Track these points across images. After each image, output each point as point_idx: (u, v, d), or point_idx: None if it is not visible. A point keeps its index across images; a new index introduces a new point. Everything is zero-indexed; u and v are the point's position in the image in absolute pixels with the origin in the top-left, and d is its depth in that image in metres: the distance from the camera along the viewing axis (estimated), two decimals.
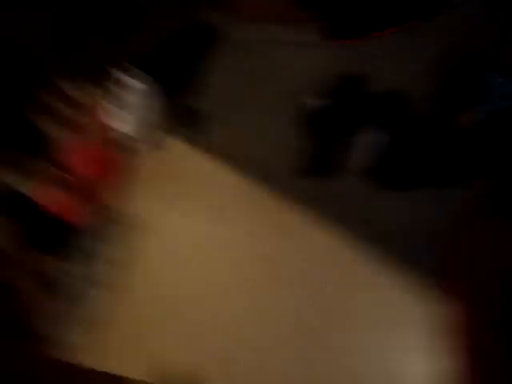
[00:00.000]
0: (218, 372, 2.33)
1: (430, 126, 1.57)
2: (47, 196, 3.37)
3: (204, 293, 2.59)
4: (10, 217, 3.13)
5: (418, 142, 1.55)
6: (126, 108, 3.09)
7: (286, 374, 2.02)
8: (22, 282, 3.21)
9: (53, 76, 4.38)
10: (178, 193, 2.95)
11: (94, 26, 4.16)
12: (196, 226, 2.69)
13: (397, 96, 1.70)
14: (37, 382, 2.41)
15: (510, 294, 1.56)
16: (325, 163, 1.89)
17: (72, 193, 3.35)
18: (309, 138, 1.94)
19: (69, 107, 4.11)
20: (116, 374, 2.54)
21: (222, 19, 3.07)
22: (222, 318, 2.45)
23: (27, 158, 4.11)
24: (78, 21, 4.14)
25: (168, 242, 2.81)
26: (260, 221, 2.34)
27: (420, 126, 1.57)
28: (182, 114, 3.02)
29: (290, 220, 2.16)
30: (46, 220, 3.28)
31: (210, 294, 2.56)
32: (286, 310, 2.14)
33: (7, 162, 3.45)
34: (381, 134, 1.56)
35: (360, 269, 1.78)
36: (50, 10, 3.86)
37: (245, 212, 2.45)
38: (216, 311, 2.50)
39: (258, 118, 2.49)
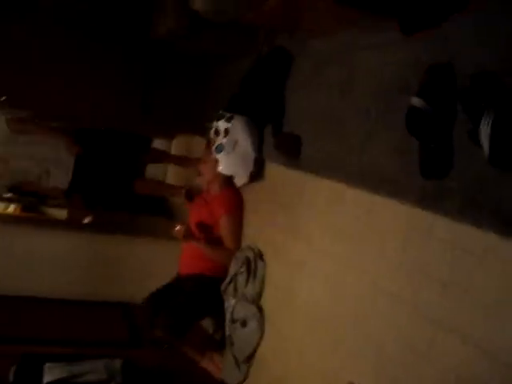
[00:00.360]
0: None
1: None
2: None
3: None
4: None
5: None
6: (229, 150, 3.26)
7: None
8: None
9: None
10: (291, 219, 2.95)
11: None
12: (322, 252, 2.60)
13: (490, 75, 1.59)
14: None
15: None
16: (441, 162, 1.79)
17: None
18: (418, 139, 1.84)
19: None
20: None
21: (294, 40, 3.08)
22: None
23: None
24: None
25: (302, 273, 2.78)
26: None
27: None
28: (279, 142, 3.05)
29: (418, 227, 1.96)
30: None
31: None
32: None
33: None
34: (488, 117, 1.46)
35: None
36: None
37: (368, 230, 2.26)
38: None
39: (355, 128, 2.36)
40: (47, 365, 3.30)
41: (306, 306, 2.70)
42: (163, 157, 4.79)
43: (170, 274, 3.70)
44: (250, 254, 3.21)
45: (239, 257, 3.31)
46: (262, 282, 3.11)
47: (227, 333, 3.31)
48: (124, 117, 4.54)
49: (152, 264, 4.02)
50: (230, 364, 3.29)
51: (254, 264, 3.15)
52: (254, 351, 3.14)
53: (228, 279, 3.32)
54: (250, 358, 3.18)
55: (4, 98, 4.26)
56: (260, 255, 3.18)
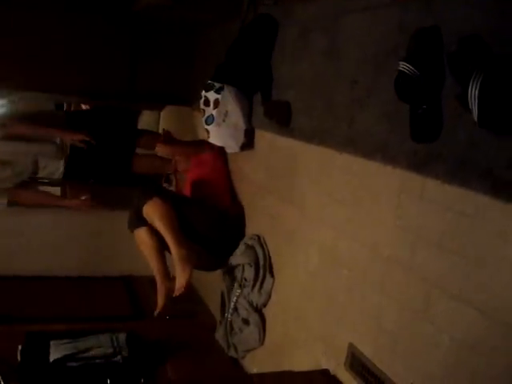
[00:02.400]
0: None
1: None
2: None
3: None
4: None
5: None
6: (220, 122, 3.23)
7: None
8: None
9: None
10: (284, 187, 2.97)
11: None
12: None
13: (476, 38, 1.60)
14: None
15: None
16: (431, 125, 1.80)
17: None
18: (408, 103, 1.85)
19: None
20: None
21: (278, 7, 3.03)
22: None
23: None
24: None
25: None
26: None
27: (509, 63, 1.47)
28: (268, 109, 3.03)
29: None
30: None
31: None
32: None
33: None
34: (476, 80, 1.47)
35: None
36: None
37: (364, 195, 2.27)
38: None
39: (343, 94, 2.36)
40: (52, 342, 3.35)
41: (302, 272, 2.74)
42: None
43: None
44: (260, 255, 3.12)
45: (248, 247, 3.23)
46: (269, 296, 3.06)
47: (228, 318, 3.32)
48: (112, 89, 4.52)
49: None
50: (224, 342, 3.38)
51: (262, 273, 3.08)
52: (253, 349, 3.20)
53: (233, 263, 3.31)
54: (248, 351, 3.25)
55: None
56: (270, 267, 3.08)
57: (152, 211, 3.16)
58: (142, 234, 3.21)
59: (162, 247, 3.18)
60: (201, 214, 3.36)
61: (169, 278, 3.16)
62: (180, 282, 3.03)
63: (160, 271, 3.16)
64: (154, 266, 3.19)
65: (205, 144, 3.73)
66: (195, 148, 3.94)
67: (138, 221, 3.21)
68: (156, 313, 3.15)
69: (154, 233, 3.17)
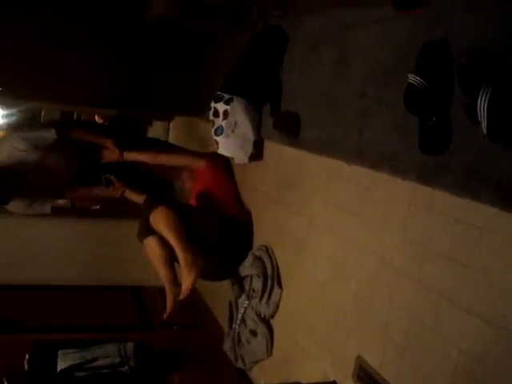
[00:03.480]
0: None
1: None
2: None
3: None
4: None
5: None
6: (229, 133, 3.25)
7: None
8: None
9: None
10: (293, 197, 2.99)
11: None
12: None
13: (486, 51, 1.60)
14: None
15: None
16: (440, 137, 1.81)
17: None
18: (417, 115, 1.85)
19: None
20: None
21: (288, 18, 3.06)
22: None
23: None
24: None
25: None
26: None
27: None
28: (277, 121, 3.06)
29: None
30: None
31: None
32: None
33: None
34: (485, 92, 1.47)
35: None
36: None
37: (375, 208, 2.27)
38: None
39: (352, 106, 2.37)
40: (60, 352, 3.35)
41: (310, 283, 2.74)
42: None
43: None
44: (268, 266, 3.12)
45: (256, 258, 3.24)
46: (277, 307, 3.05)
47: (236, 329, 3.32)
48: (121, 99, 4.54)
49: None
50: (232, 354, 3.37)
51: (270, 283, 3.08)
52: (260, 360, 3.20)
53: (242, 275, 3.32)
54: (255, 363, 3.24)
55: (0, 89, 4.27)
56: (278, 278, 3.08)
57: (158, 219, 3.20)
58: (150, 243, 3.24)
59: (171, 256, 3.20)
60: (207, 222, 3.38)
61: (177, 284, 3.17)
62: (186, 285, 3.07)
63: (169, 278, 3.19)
64: (162, 274, 3.22)
65: (201, 156, 3.83)
66: (186, 158, 3.94)
67: (147, 230, 3.24)
68: (165, 316, 3.18)
69: (163, 242, 3.19)
